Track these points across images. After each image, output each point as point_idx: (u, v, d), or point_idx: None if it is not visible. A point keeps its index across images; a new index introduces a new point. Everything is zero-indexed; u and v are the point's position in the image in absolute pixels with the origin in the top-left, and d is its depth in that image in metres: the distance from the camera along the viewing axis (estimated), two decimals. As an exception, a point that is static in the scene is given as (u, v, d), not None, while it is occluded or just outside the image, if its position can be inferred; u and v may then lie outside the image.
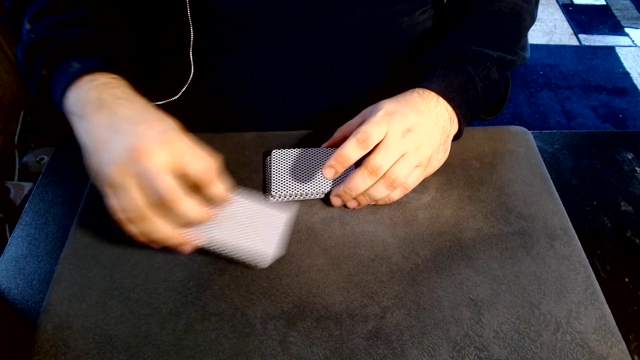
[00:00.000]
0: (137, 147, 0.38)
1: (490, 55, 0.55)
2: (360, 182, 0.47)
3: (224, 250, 0.44)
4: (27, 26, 0.52)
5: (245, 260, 0.44)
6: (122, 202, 0.39)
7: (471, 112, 0.54)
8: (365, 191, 0.48)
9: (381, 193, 0.48)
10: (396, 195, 0.49)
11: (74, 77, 0.45)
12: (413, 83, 0.52)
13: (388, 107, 0.48)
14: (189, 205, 0.38)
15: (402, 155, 0.47)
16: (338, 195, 0.49)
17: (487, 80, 0.55)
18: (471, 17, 0.59)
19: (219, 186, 0.40)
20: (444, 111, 0.51)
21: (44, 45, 0.49)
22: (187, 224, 0.40)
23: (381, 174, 0.46)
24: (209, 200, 0.41)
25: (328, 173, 0.46)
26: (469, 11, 0.60)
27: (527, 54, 0.61)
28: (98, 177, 0.41)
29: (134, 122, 0.41)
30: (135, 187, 0.38)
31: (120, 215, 0.39)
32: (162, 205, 0.38)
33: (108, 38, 0.52)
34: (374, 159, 0.46)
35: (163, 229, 0.39)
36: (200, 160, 0.39)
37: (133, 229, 0.40)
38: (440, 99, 0.51)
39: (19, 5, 0.55)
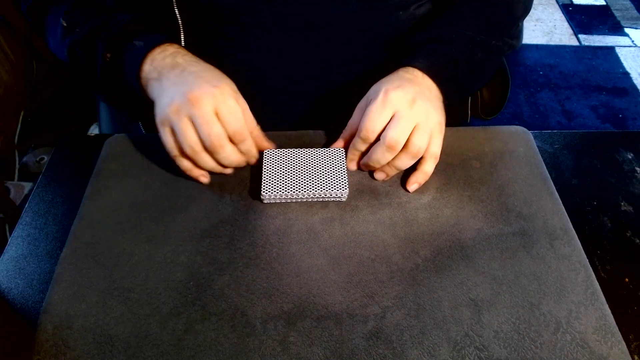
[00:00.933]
0: (192, 93, 0.45)
1: (472, 37, 0.57)
2: (380, 157, 0.48)
3: (301, 200, 0.50)
4: (64, 23, 0.56)
5: (326, 200, 0.51)
6: (178, 138, 0.46)
7: (454, 92, 0.56)
8: (390, 163, 0.49)
9: (406, 164, 0.49)
10: (429, 167, 0.51)
11: (146, 51, 0.51)
12: (397, 63, 0.54)
13: (386, 86, 0.49)
14: (230, 151, 0.47)
15: (416, 126, 0.48)
16: (365, 164, 0.51)
17: (470, 62, 0.56)
18: (460, 4, 0.60)
19: (246, 144, 0.48)
20: (431, 83, 0.53)
21: (100, 32, 0.54)
22: (227, 164, 0.48)
23: (399, 147, 0.48)
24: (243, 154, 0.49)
25: (352, 166, 0.53)
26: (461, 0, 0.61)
27: (517, 43, 0.63)
28: (157, 118, 0.48)
29: (197, 76, 0.48)
30: (189, 127, 0.45)
31: (174, 151, 0.47)
32: (210, 148, 0.46)
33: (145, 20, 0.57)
34: (390, 134, 0.47)
35: (210, 163, 0.48)
36: (235, 119, 0.46)
37: (184, 163, 0.48)
38: (425, 76, 0.53)
39: (41, 7, 0.59)
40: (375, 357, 0.39)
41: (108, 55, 0.53)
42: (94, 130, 1.41)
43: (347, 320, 0.41)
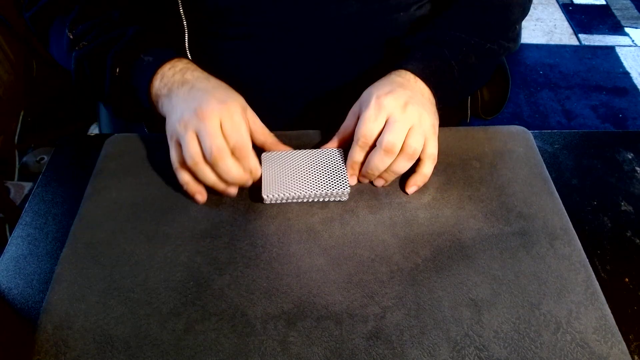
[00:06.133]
0: (200, 109, 0.46)
1: (466, 40, 0.57)
2: (379, 162, 0.49)
3: (302, 200, 0.50)
4: (70, 35, 0.56)
5: (327, 199, 0.51)
6: (182, 150, 0.47)
7: (448, 95, 0.56)
8: (388, 168, 0.49)
9: (404, 167, 0.50)
10: (428, 169, 0.51)
11: (156, 67, 0.52)
12: (392, 65, 0.55)
13: (377, 93, 0.50)
14: (230, 164, 0.46)
15: (410, 128, 0.48)
16: (363, 176, 0.51)
17: (464, 64, 0.56)
18: (456, 6, 0.61)
19: (247, 161, 0.48)
20: (424, 87, 0.53)
21: (108, 47, 0.54)
22: (228, 179, 0.47)
23: (397, 150, 0.48)
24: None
25: (353, 181, 0.52)
26: (457, 1, 0.61)
27: (514, 46, 0.63)
28: (168, 134, 0.49)
29: (205, 92, 0.49)
30: (193, 139, 0.46)
31: (175, 163, 0.48)
32: (211, 160, 0.46)
33: (152, 33, 0.57)
34: (387, 138, 0.48)
35: (210, 176, 0.47)
36: (237, 134, 0.47)
37: (185, 176, 0.48)
38: (418, 79, 0.53)
39: (45, 17, 0.59)
40: (375, 357, 0.39)
41: (117, 70, 0.54)
42: (94, 130, 1.41)
43: (347, 320, 0.41)
